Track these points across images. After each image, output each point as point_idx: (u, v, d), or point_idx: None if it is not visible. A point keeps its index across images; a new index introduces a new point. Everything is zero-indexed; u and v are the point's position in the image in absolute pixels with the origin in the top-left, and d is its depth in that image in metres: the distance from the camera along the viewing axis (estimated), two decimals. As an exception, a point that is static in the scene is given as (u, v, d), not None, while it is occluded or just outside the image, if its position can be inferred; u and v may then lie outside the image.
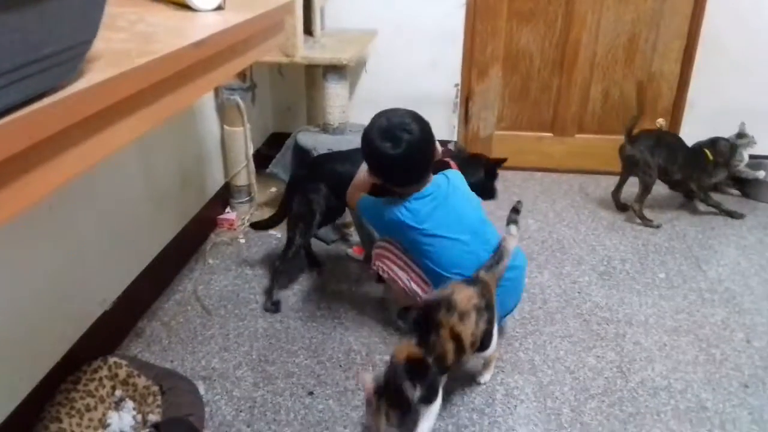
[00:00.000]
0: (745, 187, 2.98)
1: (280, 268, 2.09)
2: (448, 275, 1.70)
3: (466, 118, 3.18)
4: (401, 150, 1.68)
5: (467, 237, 1.75)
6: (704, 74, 2.94)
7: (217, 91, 2.46)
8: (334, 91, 2.42)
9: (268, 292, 2.09)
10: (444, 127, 3.19)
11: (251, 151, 2.58)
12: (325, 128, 2.49)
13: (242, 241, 2.49)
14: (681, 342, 1.94)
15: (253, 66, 2.50)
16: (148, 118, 1.15)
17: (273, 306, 2.06)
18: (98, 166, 1.71)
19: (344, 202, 1.99)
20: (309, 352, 1.86)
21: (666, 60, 2.98)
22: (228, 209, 2.64)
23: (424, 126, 1.76)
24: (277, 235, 2.53)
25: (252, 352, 1.85)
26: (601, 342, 1.93)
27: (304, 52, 2.35)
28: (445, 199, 1.76)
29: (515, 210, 1.83)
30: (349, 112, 3.20)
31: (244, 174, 2.60)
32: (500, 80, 3.10)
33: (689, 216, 2.77)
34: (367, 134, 1.75)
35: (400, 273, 1.84)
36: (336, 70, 2.38)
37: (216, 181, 2.56)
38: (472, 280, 1.63)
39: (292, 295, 2.14)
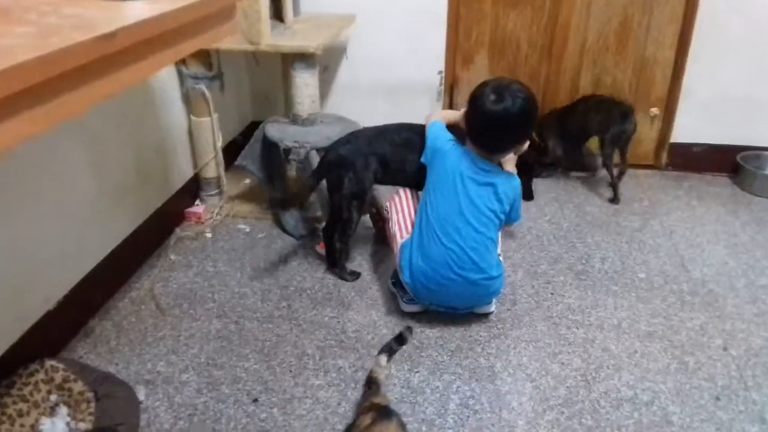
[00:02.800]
0: (744, 179, 2.84)
1: (343, 248, 2.16)
2: (421, 230, 1.85)
3: (450, 106, 3.06)
4: (499, 108, 1.74)
5: (451, 224, 1.81)
6: (700, 61, 2.78)
7: (182, 79, 2.37)
8: (303, 80, 2.32)
9: (343, 268, 2.15)
10: (426, 114, 3.08)
11: (220, 143, 2.49)
12: (295, 119, 2.39)
13: (209, 235, 2.41)
14: (653, 348, 1.83)
15: (220, 53, 2.41)
16: (40, 117, 1.06)
17: (353, 275, 2.15)
18: (40, 159, 1.65)
19: (394, 176, 2.07)
20: (260, 356, 1.79)
21: (660, 45, 2.83)
22: (197, 202, 2.57)
23: (531, 107, 1.80)
24: (246, 229, 2.46)
25: (201, 355, 1.79)
26: (569, 348, 1.84)
27: (271, 39, 2.25)
28: (471, 180, 1.81)
29: (400, 338, 1.65)
30: (330, 99, 3.13)
31: (213, 166, 2.52)
32: (486, 67, 2.97)
33: (680, 212, 2.64)
34: (480, 86, 1.83)
35: (395, 215, 2.02)
36: (304, 58, 2.28)
37: (183, 173, 2.49)
38: (389, 413, 1.40)
39: (251, 293, 2.07)
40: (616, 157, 2.72)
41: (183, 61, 2.34)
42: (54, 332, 1.76)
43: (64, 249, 1.80)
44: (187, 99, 2.42)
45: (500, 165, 1.98)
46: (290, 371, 1.73)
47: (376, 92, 3.06)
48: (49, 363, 1.59)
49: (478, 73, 2.97)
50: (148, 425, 1.55)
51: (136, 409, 1.55)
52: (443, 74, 2.98)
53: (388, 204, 2.10)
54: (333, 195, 2.08)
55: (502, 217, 1.85)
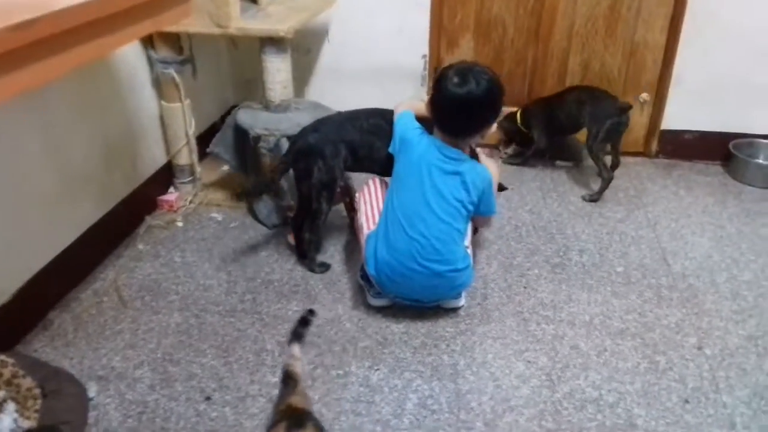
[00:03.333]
0: (736, 168, 2.75)
1: (312, 239, 2.08)
2: (387, 221, 1.81)
3: (435, 91, 2.97)
4: (463, 91, 1.69)
5: (416, 213, 1.76)
6: (692, 45, 2.68)
7: (151, 64, 2.31)
8: (273, 65, 2.24)
9: (312, 260, 2.09)
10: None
11: (192, 129, 2.43)
12: (267, 105, 2.33)
13: (180, 224, 2.37)
14: (624, 347, 1.77)
15: (192, 37, 2.34)
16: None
17: (323, 267, 2.10)
18: None
19: (362, 163, 2.02)
20: (219, 352, 1.75)
21: (650, 29, 2.72)
22: (171, 189, 2.52)
23: (496, 89, 1.74)
24: (218, 218, 2.41)
25: (158, 350, 1.75)
26: (536, 345, 1.78)
27: (240, 22, 2.18)
28: (437, 168, 1.75)
29: (303, 321, 1.55)
30: (313, 84, 3.05)
31: (186, 152, 2.46)
32: (472, 50, 2.89)
33: (667, 202, 2.56)
34: (443, 69, 1.79)
35: (363, 206, 1.98)
36: (275, 42, 2.20)
37: (156, 159, 2.43)
38: (302, 421, 1.26)
39: (216, 285, 2.02)
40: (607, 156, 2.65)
41: (152, 45, 2.28)
42: (9, 325, 1.73)
43: (19, 240, 1.76)
44: (157, 84, 2.36)
45: (476, 157, 1.92)
46: (247, 368, 1.69)
47: (360, 76, 2.98)
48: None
49: (463, 56, 2.88)
50: (96, 423, 1.52)
51: (84, 407, 1.51)
52: (427, 58, 2.90)
53: (358, 194, 2.05)
54: (302, 184, 2.03)
55: (470, 207, 1.79)
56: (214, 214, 2.43)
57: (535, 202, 2.55)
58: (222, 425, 1.52)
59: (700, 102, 2.78)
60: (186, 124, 2.41)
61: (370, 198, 1.97)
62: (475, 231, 2.18)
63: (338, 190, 2.08)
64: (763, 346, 1.78)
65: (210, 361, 1.71)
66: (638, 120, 2.89)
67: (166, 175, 2.51)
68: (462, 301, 1.92)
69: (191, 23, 2.19)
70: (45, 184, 1.85)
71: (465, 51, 2.88)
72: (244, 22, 2.19)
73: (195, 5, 2.04)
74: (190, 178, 2.52)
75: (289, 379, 1.35)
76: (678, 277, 2.08)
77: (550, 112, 2.71)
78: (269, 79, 2.27)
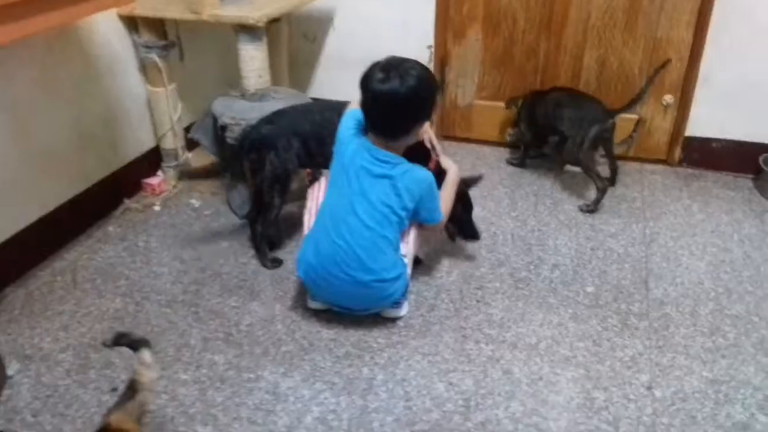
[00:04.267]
0: (765, 184, 2.45)
1: (264, 233, 2.04)
2: (317, 223, 1.75)
3: (442, 85, 2.83)
4: (386, 88, 1.59)
5: (341, 218, 1.67)
6: (721, 42, 2.39)
7: (137, 49, 2.33)
8: (247, 53, 2.20)
9: (264, 255, 2.04)
10: (417, 94, 2.87)
11: (178, 113, 2.45)
12: (243, 94, 2.29)
13: (157, 208, 2.39)
14: (562, 377, 1.61)
15: (178, 21, 2.34)
16: None
17: (275, 263, 2.04)
18: None
19: (314, 158, 1.96)
20: (144, 341, 1.74)
21: (675, 24, 2.45)
22: (159, 173, 2.55)
23: (424, 86, 1.62)
24: (195, 204, 2.42)
25: (88, 334, 1.77)
26: (466, 366, 1.65)
27: (215, 9, 2.15)
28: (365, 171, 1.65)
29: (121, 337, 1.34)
30: (318, 73, 2.99)
31: (171, 137, 2.48)
32: (480, 43, 2.72)
33: (673, 217, 2.31)
34: (371, 65, 1.68)
35: (309, 203, 1.90)
36: (247, 30, 2.16)
37: (142, 143, 2.47)
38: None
39: (167, 273, 2.03)
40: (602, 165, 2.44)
41: (136, 30, 2.30)
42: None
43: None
44: (144, 68, 2.38)
45: (426, 156, 1.81)
46: (163, 362, 1.67)
47: (362, 65, 2.87)
48: (-72, 330, 1.63)
49: (471, 48, 2.73)
50: (6, 401, 1.56)
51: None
52: (433, 49, 2.76)
53: (309, 191, 1.98)
54: (255, 177, 1.99)
55: (402, 214, 1.67)
56: (193, 200, 2.43)
57: (525, 208, 2.38)
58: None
59: (730, 106, 2.48)
60: (170, 109, 2.42)
61: (316, 196, 1.90)
62: (452, 237, 2.07)
63: (292, 184, 2.02)
64: (725, 393, 1.56)
65: (129, 352, 1.71)
66: (661, 124, 2.63)
67: (155, 159, 2.54)
68: (402, 311, 1.82)
69: (166, 8, 2.19)
70: (7, 162, 1.90)
71: (473, 43, 2.72)
72: (220, 9, 2.16)
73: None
74: (175, 163, 2.55)
75: (128, 389, 1.25)
76: (654, 304, 1.87)
77: (533, 108, 2.52)
78: (244, 67, 2.23)
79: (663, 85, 2.56)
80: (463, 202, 1.95)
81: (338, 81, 2.93)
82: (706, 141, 2.59)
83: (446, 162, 1.88)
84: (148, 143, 2.50)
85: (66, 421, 1.51)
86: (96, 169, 2.27)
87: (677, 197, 2.44)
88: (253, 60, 2.22)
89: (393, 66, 1.61)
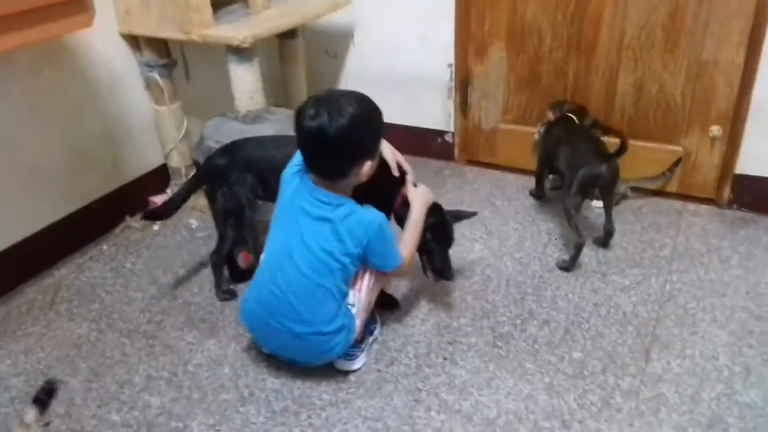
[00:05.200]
0: None
1: (218, 262, 1.98)
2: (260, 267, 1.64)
3: (464, 106, 2.64)
4: (314, 125, 1.43)
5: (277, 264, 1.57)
6: (779, 67, 2.03)
7: (140, 66, 2.33)
8: (236, 74, 2.13)
9: (217, 286, 1.98)
10: (439, 116, 2.71)
11: (181, 132, 2.43)
12: (236, 116, 2.23)
13: (155, 227, 2.39)
14: (511, 465, 1.40)
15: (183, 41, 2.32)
16: None
17: (227, 294, 1.97)
18: None
19: (273, 194, 1.78)
20: (90, 375, 1.70)
21: (723, 45, 2.11)
22: (168, 191, 2.55)
23: (359, 123, 1.45)
24: (193, 225, 2.39)
25: (44, 361, 1.76)
26: (406, 438, 1.48)
27: (206, 29, 2.09)
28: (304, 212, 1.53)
29: (48, 391, 1.29)
30: (338, 83, 2.88)
31: (176, 155, 2.47)
32: (504, 62, 2.49)
33: (703, 272, 1.99)
34: (307, 99, 1.56)
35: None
36: (235, 51, 2.09)
37: (148, 161, 2.47)
38: None
39: (139, 300, 2.00)
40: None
41: (139, 49, 2.29)
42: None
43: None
44: (149, 87, 2.38)
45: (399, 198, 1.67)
46: (99, 399, 1.63)
47: (385, 84, 2.75)
48: None
49: (494, 67, 2.51)
50: (-53, 426, 1.58)
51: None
52: (453, 68, 2.57)
53: None
54: (210, 207, 1.92)
55: (345, 260, 1.52)
56: (192, 221, 2.41)
57: (532, 249, 2.14)
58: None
59: (789, 142, 2.11)
60: (173, 127, 2.41)
61: None
62: (437, 277, 1.87)
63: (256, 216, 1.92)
64: None
65: (76, 384, 1.69)
66: (707, 159, 2.29)
67: (165, 176, 2.54)
68: (355, 365, 1.67)
69: (162, 28, 2.16)
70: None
71: (495, 62, 2.50)
72: (212, 28, 2.10)
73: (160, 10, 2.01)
74: (181, 181, 2.53)
75: None
76: (649, 381, 1.60)
77: (544, 136, 2.26)
78: (235, 88, 2.17)
79: (709, 114, 2.22)
80: (438, 235, 1.75)
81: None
82: (760, 180, 2.22)
83: (412, 194, 1.70)
84: (155, 161, 2.51)
85: (-9, 455, 1.50)
86: (94, 186, 2.29)
87: (716, 246, 2.11)
88: (243, 81, 2.15)
89: (325, 101, 1.46)
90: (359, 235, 1.51)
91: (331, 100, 1.47)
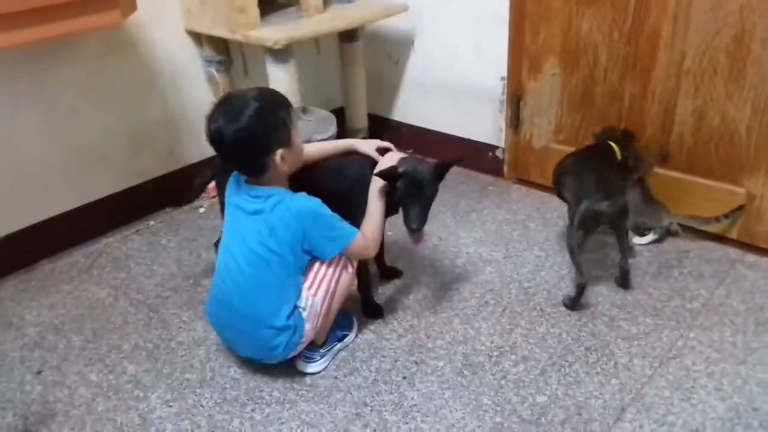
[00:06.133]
0: None
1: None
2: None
3: (515, 122, 2.52)
4: (213, 128, 1.49)
5: (222, 260, 1.63)
6: None
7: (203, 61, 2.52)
8: (273, 75, 2.23)
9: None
10: (489, 129, 2.62)
11: (234, 125, 2.58)
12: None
13: (202, 210, 2.56)
14: (420, 499, 1.34)
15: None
16: None
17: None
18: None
19: None
20: (90, 336, 1.87)
21: (797, 76, 1.82)
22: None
23: (256, 119, 1.47)
24: (232, 212, 2.53)
25: (61, 317, 1.97)
26: (332, 450, 1.47)
27: (252, 29, 2.20)
28: (239, 209, 1.59)
29: None
30: (401, 96, 2.90)
31: (229, 146, 2.62)
32: (557, 79, 2.35)
33: (730, 333, 1.74)
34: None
35: None
36: (271, 52, 2.18)
37: (202, 150, 2.59)
38: None
39: (160, 274, 2.16)
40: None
41: (201, 44, 2.47)
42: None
43: (17, 196, 2.16)
44: (210, 81, 2.56)
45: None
46: (89, 359, 1.79)
47: (441, 93, 2.73)
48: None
49: (547, 84, 2.38)
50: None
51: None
52: (506, 81, 2.47)
53: None
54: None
55: (283, 250, 1.52)
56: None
57: (546, 280, 2.01)
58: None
59: None
60: (227, 120, 2.56)
61: None
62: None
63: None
64: None
65: (76, 342, 1.87)
66: (774, 205, 1.99)
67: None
68: (312, 368, 1.68)
69: (214, 27, 2.31)
70: (48, 154, 2.21)
71: (549, 79, 2.36)
72: (255, 29, 2.21)
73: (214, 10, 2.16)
74: (232, 170, 2.69)
75: None
76: (612, 445, 1.44)
77: (559, 162, 2.09)
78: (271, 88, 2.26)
79: (778, 154, 1.93)
80: (408, 186, 1.64)
81: (420, 106, 2.83)
82: (834, 238, 1.89)
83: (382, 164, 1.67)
84: (209, 151, 2.62)
85: (-11, 390, 1.72)
86: (150, 168, 2.51)
87: (758, 306, 1.83)
88: (279, 81, 2.23)
89: (224, 104, 1.51)
90: (291, 222, 1.51)
91: (229, 102, 1.51)
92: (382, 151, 1.79)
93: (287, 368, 1.70)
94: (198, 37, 2.46)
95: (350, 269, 1.67)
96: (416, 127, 2.89)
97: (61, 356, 1.82)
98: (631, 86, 2.17)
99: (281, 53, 2.18)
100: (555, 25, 2.26)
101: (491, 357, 1.71)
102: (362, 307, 1.90)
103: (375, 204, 1.64)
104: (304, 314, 1.59)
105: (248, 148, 1.49)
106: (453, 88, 2.66)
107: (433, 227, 2.33)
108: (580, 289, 1.83)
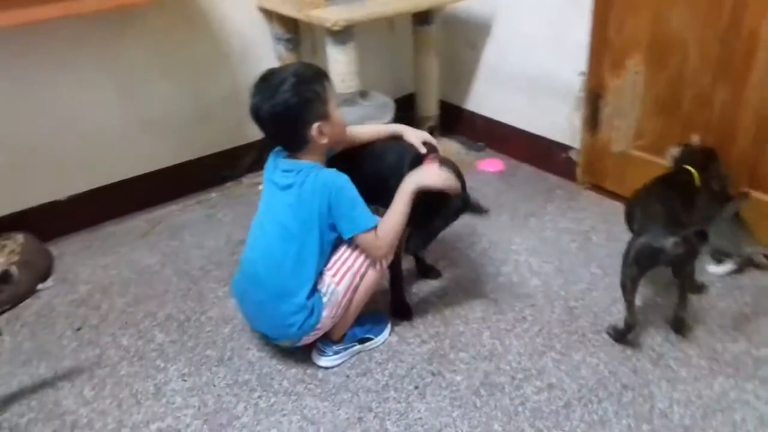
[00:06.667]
0: None
1: None
2: None
3: (592, 122, 2.32)
4: (254, 101, 1.52)
5: (254, 233, 1.66)
6: None
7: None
8: (331, 56, 2.17)
9: None
10: (564, 128, 2.43)
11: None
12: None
13: (260, 187, 2.56)
14: None
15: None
16: None
17: None
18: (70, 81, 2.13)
19: None
20: (131, 301, 1.96)
21: None
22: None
23: (290, 94, 1.47)
24: (289, 191, 2.53)
25: (111, 278, 2.07)
26: (325, 452, 1.43)
27: (316, 9, 2.15)
28: (273, 185, 1.61)
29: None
30: (477, 83, 2.75)
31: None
32: (641, 77, 2.12)
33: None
34: None
35: None
36: (330, 33, 2.12)
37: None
38: None
39: (208, 248, 2.21)
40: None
41: (272, 22, 2.47)
42: (60, 219, 2.29)
43: (88, 158, 2.29)
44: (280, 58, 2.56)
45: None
46: (124, 323, 1.87)
47: (516, 83, 2.57)
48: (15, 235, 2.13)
49: (629, 83, 2.16)
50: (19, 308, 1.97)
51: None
52: (585, 76, 2.27)
53: None
54: None
55: (311, 221, 1.51)
56: (291, 188, 2.56)
57: (595, 302, 1.84)
58: None
59: None
60: (294, 99, 2.55)
61: None
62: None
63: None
64: None
65: (118, 305, 1.95)
66: None
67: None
68: (324, 362, 1.66)
69: (283, 5, 2.29)
70: (113, 122, 2.31)
71: (632, 76, 2.13)
72: (319, 9, 2.16)
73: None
74: (295, 149, 2.69)
75: None
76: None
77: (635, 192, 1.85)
78: (331, 70, 2.21)
79: None
80: (430, 209, 1.57)
81: (494, 96, 2.69)
82: None
83: (427, 169, 1.60)
84: None
85: (27, 338, 1.83)
86: (217, 141, 2.56)
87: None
88: (337, 63, 2.18)
89: (263, 80, 1.52)
90: (317, 192, 1.50)
91: (266, 79, 1.52)
92: (427, 147, 1.72)
93: (304, 358, 1.69)
94: (270, 15, 2.45)
95: (377, 266, 1.61)
96: (489, 119, 2.74)
97: (102, 316, 1.91)
98: (723, 92, 1.91)
99: (340, 35, 2.12)
100: (642, 16, 2.03)
101: (514, 379, 1.59)
102: (391, 304, 1.84)
103: (400, 203, 1.56)
104: (324, 300, 1.55)
105: (284, 122, 1.50)
106: (528, 80, 2.48)
107: (487, 229, 2.21)
108: (628, 327, 1.65)
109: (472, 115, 2.81)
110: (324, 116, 1.52)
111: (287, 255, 1.53)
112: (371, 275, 1.61)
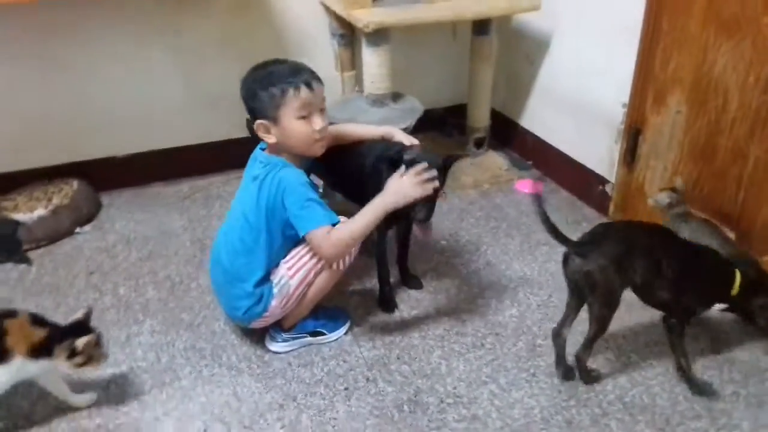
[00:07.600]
0: None
1: None
2: None
3: (630, 158, 2.17)
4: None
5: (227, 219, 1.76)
6: None
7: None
8: (365, 57, 2.22)
9: None
10: (604, 159, 2.30)
11: (348, 99, 2.65)
12: (362, 96, 2.33)
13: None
14: None
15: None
16: None
17: None
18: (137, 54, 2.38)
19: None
20: (144, 256, 2.17)
21: None
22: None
23: (247, 85, 1.60)
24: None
25: (139, 235, 2.30)
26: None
27: (359, 9, 2.20)
28: (247, 174, 1.71)
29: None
30: (531, 99, 2.66)
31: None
32: (682, 118, 1.95)
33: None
34: None
35: None
36: (367, 34, 2.16)
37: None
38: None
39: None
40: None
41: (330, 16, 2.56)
42: (111, 175, 2.56)
43: (138, 122, 2.53)
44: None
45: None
46: (137, 275, 2.07)
47: (564, 106, 2.47)
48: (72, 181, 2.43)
49: (669, 122, 2.01)
50: (62, 248, 2.25)
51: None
52: (626, 109, 2.13)
53: None
54: None
55: (266, 216, 1.57)
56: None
57: (571, 342, 1.74)
58: None
59: None
60: (344, 93, 2.64)
61: None
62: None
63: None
64: None
65: (133, 260, 2.17)
66: None
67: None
68: (273, 347, 1.74)
69: (335, 2, 2.37)
70: (173, 95, 2.53)
71: (673, 116, 1.96)
72: (361, 10, 2.21)
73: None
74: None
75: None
76: None
77: None
78: (363, 70, 2.27)
79: None
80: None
81: (546, 115, 2.59)
82: None
83: (395, 180, 1.57)
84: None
85: (48, 272, 2.09)
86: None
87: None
88: (369, 65, 2.23)
89: (259, 65, 1.62)
90: (275, 188, 1.55)
91: (258, 67, 1.62)
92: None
93: (260, 339, 1.77)
94: (329, 10, 2.54)
95: (335, 266, 1.66)
96: (539, 138, 2.64)
97: (114, 266, 2.13)
98: (758, 147, 1.71)
99: (373, 37, 2.16)
100: (688, 53, 1.86)
101: (442, 402, 1.57)
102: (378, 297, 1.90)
103: (371, 215, 1.54)
104: (275, 290, 1.63)
105: (247, 107, 1.62)
106: (576, 105, 2.36)
107: (491, 249, 2.16)
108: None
109: (525, 131, 2.73)
110: (270, 118, 1.56)
111: (243, 243, 1.62)
112: (327, 273, 1.66)
